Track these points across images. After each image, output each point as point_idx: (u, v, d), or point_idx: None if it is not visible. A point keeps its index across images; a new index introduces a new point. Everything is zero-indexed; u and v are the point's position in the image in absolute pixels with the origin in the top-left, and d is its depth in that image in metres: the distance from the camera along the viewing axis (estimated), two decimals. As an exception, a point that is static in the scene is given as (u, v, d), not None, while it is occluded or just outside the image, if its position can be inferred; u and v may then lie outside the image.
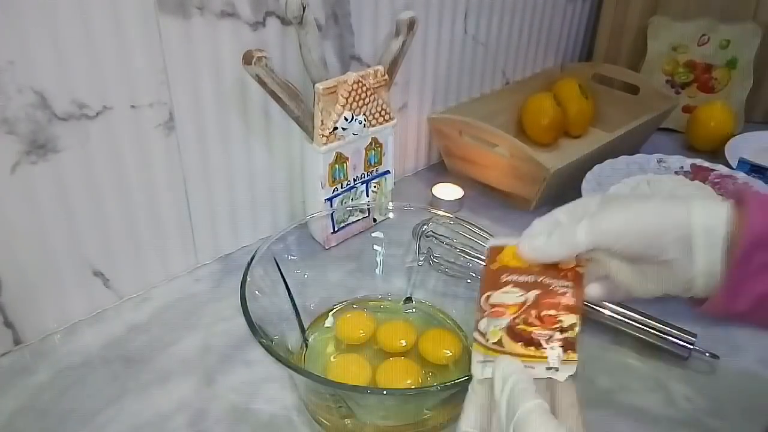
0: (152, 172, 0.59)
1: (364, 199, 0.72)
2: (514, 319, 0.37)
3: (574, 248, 0.38)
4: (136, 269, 0.63)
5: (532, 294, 0.38)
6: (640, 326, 0.59)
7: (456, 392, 0.42)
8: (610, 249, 0.38)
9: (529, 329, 0.37)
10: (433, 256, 0.60)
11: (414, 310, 0.61)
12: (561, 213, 0.41)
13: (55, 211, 0.54)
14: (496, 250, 0.42)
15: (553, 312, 0.37)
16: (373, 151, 0.70)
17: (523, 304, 0.38)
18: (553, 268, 0.40)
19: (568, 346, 0.36)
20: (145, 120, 0.57)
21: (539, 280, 0.39)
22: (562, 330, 0.37)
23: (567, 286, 0.39)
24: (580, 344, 0.36)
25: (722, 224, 0.36)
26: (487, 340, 0.37)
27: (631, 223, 0.38)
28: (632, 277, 0.40)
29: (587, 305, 0.60)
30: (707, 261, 0.37)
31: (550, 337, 0.36)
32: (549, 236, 0.39)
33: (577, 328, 0.37)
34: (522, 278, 0.39)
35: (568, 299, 0.38)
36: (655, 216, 0.37)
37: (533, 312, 0.38)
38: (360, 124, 0.65)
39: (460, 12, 0.82)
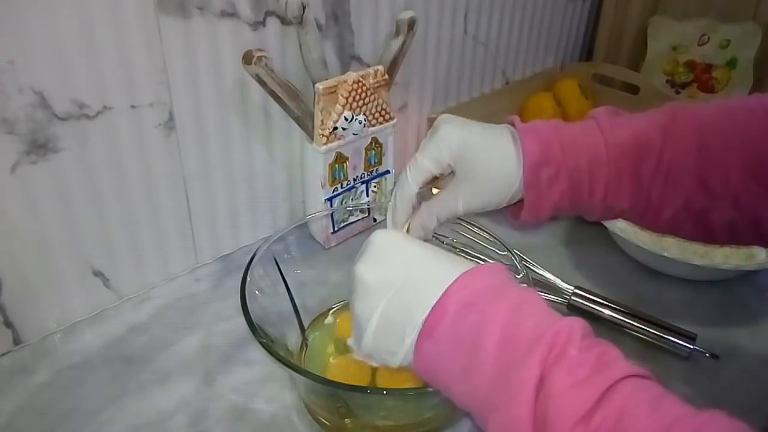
0: (152, 172, 0.59)
1: (364, 199, 0.72)
2: None
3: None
4: (136, 269, 0.63)
5: None
6: (640, 326, 0.59)
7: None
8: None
9: None
10: (433, 256, 0.60)
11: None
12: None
13: (55, 211, 0.54)
14: None
15: None
16: (373, 151, 0.70)
17: None
18: None
19: None
20: (145, 120, 0.57)
21: None
22: None
23: None
24: None
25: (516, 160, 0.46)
26: None
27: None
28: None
29: (588, 303, 0.60)
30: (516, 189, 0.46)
31: None
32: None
33: None
34: None
35: None
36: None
37: None
38: (360, 124, 0.65)
39: (460, 12, 0.82)
